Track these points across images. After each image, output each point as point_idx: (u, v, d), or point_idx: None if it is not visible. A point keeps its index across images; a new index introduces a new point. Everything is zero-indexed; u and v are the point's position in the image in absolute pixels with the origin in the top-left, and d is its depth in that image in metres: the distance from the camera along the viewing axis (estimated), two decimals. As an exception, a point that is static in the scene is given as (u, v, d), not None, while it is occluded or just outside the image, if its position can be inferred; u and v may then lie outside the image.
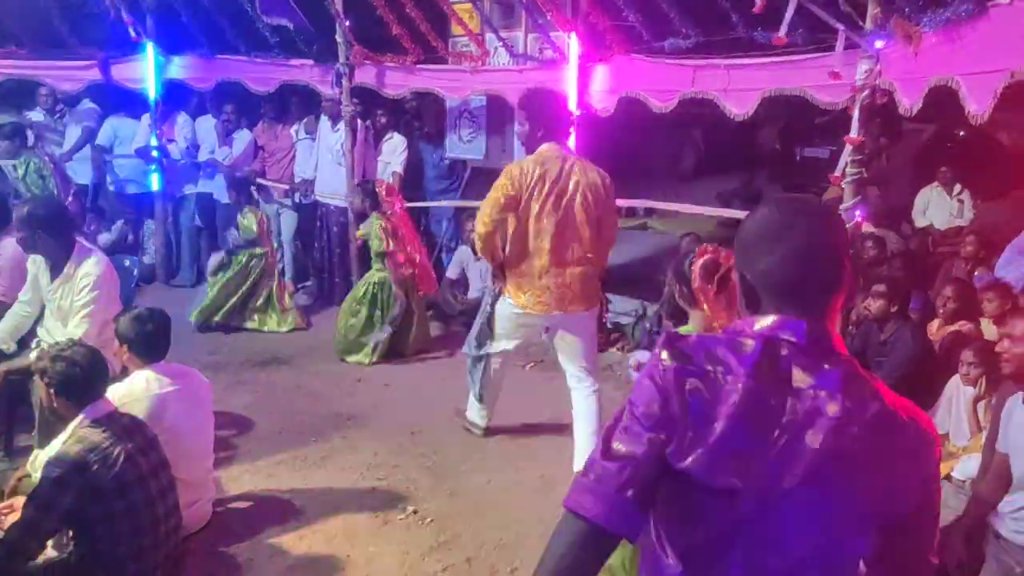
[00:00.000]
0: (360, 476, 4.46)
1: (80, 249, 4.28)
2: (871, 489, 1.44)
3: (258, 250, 6.94)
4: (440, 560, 3.69)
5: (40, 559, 3.19)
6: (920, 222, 8.25)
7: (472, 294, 6.99)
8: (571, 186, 4.17)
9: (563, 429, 4.99)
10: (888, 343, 4.96)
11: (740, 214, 6.83)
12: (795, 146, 12.57)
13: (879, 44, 3.90)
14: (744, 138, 13.65)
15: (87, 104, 8.26)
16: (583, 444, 4.33)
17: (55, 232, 4.20)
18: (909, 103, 3.85)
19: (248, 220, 6.89)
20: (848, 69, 4.03)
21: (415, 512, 4.08)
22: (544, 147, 4.24)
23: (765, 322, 1.49)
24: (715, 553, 1.47)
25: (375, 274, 6.35)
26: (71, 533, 3.21)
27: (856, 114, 4.03)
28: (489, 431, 4.93)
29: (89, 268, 4.21)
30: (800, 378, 1.44)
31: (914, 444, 1.47)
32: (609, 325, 6.70)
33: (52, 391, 3.22)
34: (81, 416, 3.21)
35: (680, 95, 5.09)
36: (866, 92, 3.97)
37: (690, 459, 1.42)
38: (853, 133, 4.03)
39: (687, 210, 6.52)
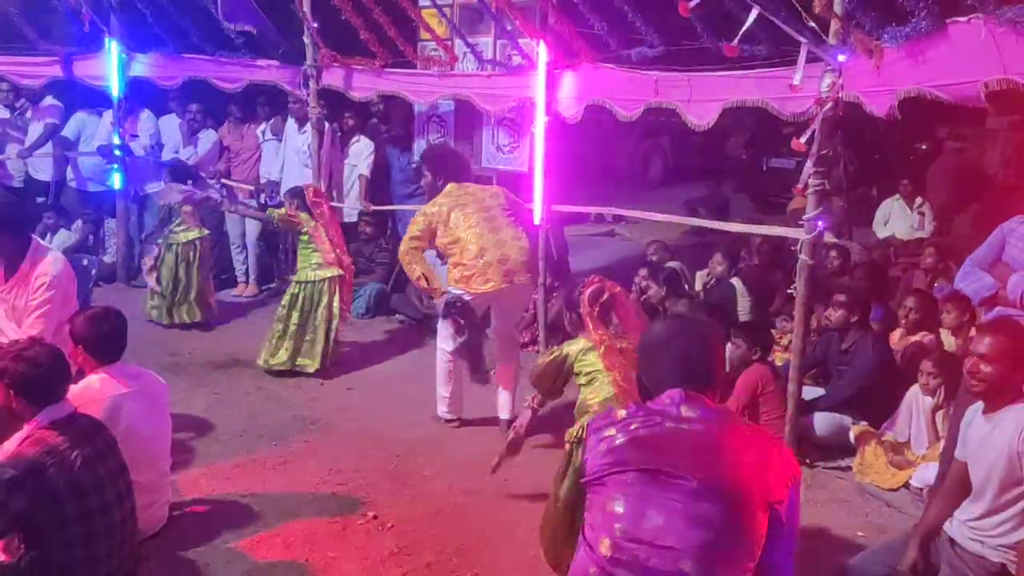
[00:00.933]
0: (320, 481, 4.42)
1: (36, 248, 4.20)
2: (727, 475, 1.99)
3: (192, 233, 6.86)
4: (400, 565, 3.67)
5: (-12, 563, 3.13)
6: (881, 233, 8.38)
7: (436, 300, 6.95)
8: (484, 198, 5.07)
9: (532, 438, 5.00)
10: (849, 352, 5.02)
11: (706, 223, 6.89)
12: (762, 156, 12.71)
13: (841, 58, 3.94)
14: (712, 147, 13.81)
15: (50, 100, 8.13)
16: (501, 399, 5.15)
17: (10, 231, 4.11)
18: (880, 112, 3.91)
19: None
20: (811, 81, 4.06)
21: (375, 517, 4.05)
22: (448, 187, 5.10)
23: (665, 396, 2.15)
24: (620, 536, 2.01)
25: (302, 272, 6.12)
26: (22, 537, 3.13)
27: (816, 125, 4.06)
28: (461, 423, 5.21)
29: (45, 267, 4.13)
30: (675, 414, 2.10)
31: (765, 451, 2.06)
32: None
33: (11, 391, 3.15)
34: (38, 418, 3.14)
35: (645, 104, 5.11)
36: (829, 104, 4.01)
37: (602, 463, 2.09)
38: (811, 144, 4.07)
39: (654, 218, 6.54)
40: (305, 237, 6.10)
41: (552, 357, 3.81)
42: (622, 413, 2.15)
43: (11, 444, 3.19)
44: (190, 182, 7.00)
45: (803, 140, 3.98)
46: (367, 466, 4.59)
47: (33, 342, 3.25)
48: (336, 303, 6.06)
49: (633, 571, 1.94)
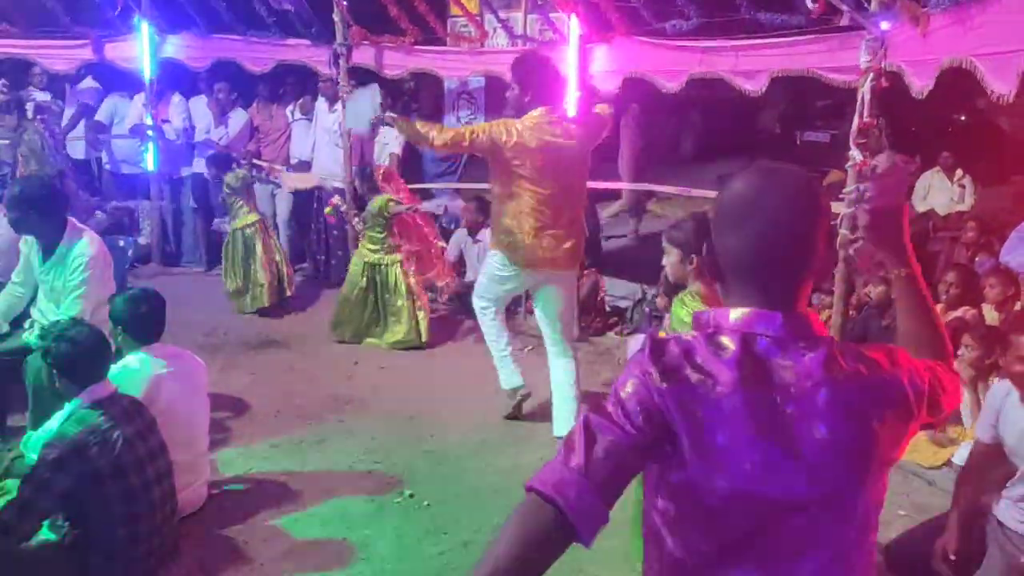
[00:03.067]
0: (357, 460, 4.44)
1: (73, 229, 4.22)
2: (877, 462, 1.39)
3: (251, 217, 6.86)
4: (437, 544, 3.67)
5: (34, 541, 3.17)
6: (920, 207, 8.21)
7: (469, 276, 6.95)
8: (561, 151, 4.28)
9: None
10: (890, 329, 4.93)
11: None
12: (795, 130, 12.51)
13: (884, 26, 3.84)
14: (744, 122, 13.60)
15: (89, 82, 8.20)
16: (560, 411, 4.53)
17: (47, 212, 4.14)
18: (920, 85, 3.80)
19: (232, 175, 6.81)
20: (854, 51, 3.97)
21: (412, 496, 4.06)
22: (535, 112, 4.28)
23: (738, 315, 1.42)
24: (727, 562, 1.39)
25: (369, 254, 6.20)
26: (65, 515, 3.17)
27: (862, 96, 3.97)
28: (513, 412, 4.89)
29: (82, 249, 4.16)
30: (785, 375, 1.36)
31: (898, 395, 1.43)
32: (608, 308, 6.67)
33: (54, 371, 3.18)
34: (81, 397, 3.17)
35: (689, 75, 5.03)
36: (871, 75, 3.91)
37: (690, 471, 1.35)
38: (861, 116, 3.97)
39: (689, 193, 6.47)
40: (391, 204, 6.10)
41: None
42: (704, 363, 1.37)
43: (54, 423, 3.23)
44: (235, 165, 7.08)
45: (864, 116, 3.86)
46: (402, 445, 4.60)
47: (75, 322, 3.29)
48: (412, 279, 6.17)
49: None
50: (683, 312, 3.10)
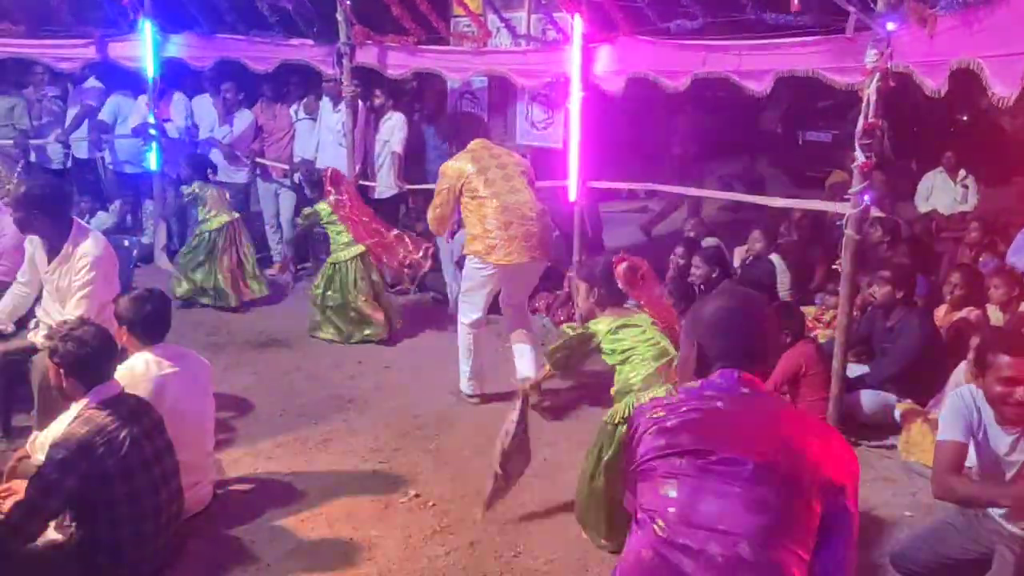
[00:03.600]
0: (362, 459, 4.43)
1: (78, 229, 4.22)
2: (784, 458, 1.90)
3: (221, 219, 6.92)
4: (443, 544, 3.67)
5: (41, 541, 3.17)
6: (923, 207, 8.21)
7: (443, 274, 6.97)
8: (507, 162, 5.06)
9: (567, 414, 4.99)
10: (894, 329, 4.93)
11: (746, 197, 6.76)
12: (797, 130, 12.49)
13: (891, 26, 3.83)
14: (746, 122, 13.57)
15: (92, 82, 8.20)
16: (523, 356, 5.10)
17: (52, 212, 4.14)
18: (934, 84, 3.80)
19: (195, 186, 6.92)
20: (860, 52, 3.97)
21: (417, 496, 4.06)
22: (474, 142, 5.13)
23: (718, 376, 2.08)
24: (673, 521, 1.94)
25: (333, 254, 6.29)
26: (72, 515, 3.17)
27: (867, 97, 3.96)
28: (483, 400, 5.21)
29: (87, 248, 4.16)
30: (728, 396, 2.03)
31: (823, 437, 1.98)
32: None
33: (61, 371, 3.18)
34: (88, 397, 3.16)
35: (693, 75, 5.02)
36: (877, 75, 3.90)
37: (651, 446, 2.00)
38: (866, 117, 3.97)
39: (691, 193, 6.46)
40: (332, 220, 6.21)
41: (578, 332, 3.78)
42: (674, 396, 2.13)
43: (61, 424, 3.22)
44: (210, 171, 7.16)
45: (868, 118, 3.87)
46: (407, 445, 4.60)
47: (82, 322, 3.28)
48: (375, 275, 6.25)
49: (689, 555, 1.88)
50: (601, 325, 3.63)
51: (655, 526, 1.93)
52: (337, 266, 6.21)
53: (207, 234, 6.91)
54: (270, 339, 6.29)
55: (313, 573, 3.42)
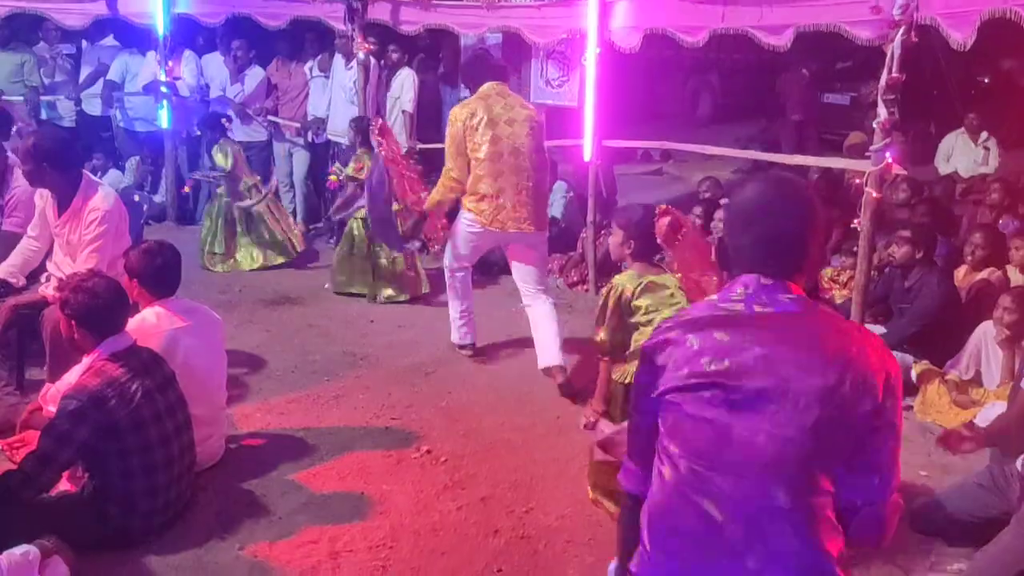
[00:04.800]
0: (373, 415, 4.43)
1: (88, 183, 4.19)
2: (814, 378, 1.64)
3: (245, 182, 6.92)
4: (455, 499, 3.67)
5: (53, 492, 3.18)
6: (944, 169, 8.09)
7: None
8: (517, 116, 4.74)
9: (577, 374, 4.96)
10: (912, 290, 4.86)
11: (763, 156, 6.67)
12: (815, 91, 12.28)
13: (918, -24, 3.73)
14: (762, 83, 13.39)
15: (110, 40, 8.13)
16: (543, 341, 4.76)
17: (61, 165, 4.10)
18: (961, 37, 3.70)
19: (220, 154, 6.84)
20: (885, 4, 3.87)
21: (429, 451, 4.05)
22: (486, 85, 4.78)
23: (737, 280, 1.78)
24: (701, 460, 1.70)
25: (362, 211, 6.21)
26: (84, 467, 3.18)
27: (891, 51, 3.86)
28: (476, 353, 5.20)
29: (97, 203, 4.13)
30: (756, 309, 1.72)
31: (862, 342, 1.70)
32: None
33: (72, 322, 3.16)
34: (100, 349, 3.15)
35: (711, 31, 4.92)
36: (903, 28, 3.81)
37: (673, 377, 1.72)
38: (890, 72, 3.87)
39: (708, 151, 6.37)
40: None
41: (608, 302, 3.51)
42: (692, 312, 1.82)
43: (73, 375, 3.22)
44: (225, 121, 7.15)
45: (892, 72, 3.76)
46: (419, 401, 4.59)
47: (92, 274, 3.27)
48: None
49: (717, 502, 1.69)
50: (625, 279, 3.50)
51: (679, 468, 1.74)
52: (367, 222, 6.15)
53: (245, 192, 6.90)
54: (282, 297, 6.28)
55: (325, 526, 3.42)
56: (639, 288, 3.45)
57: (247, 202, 6.89)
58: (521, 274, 4.93)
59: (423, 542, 3.37)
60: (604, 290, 3.65)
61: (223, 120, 7.14)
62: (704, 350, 1.70)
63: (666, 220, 3.40)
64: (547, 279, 5.06)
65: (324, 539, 3.33)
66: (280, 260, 6.99)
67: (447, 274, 5.11)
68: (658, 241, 3.46)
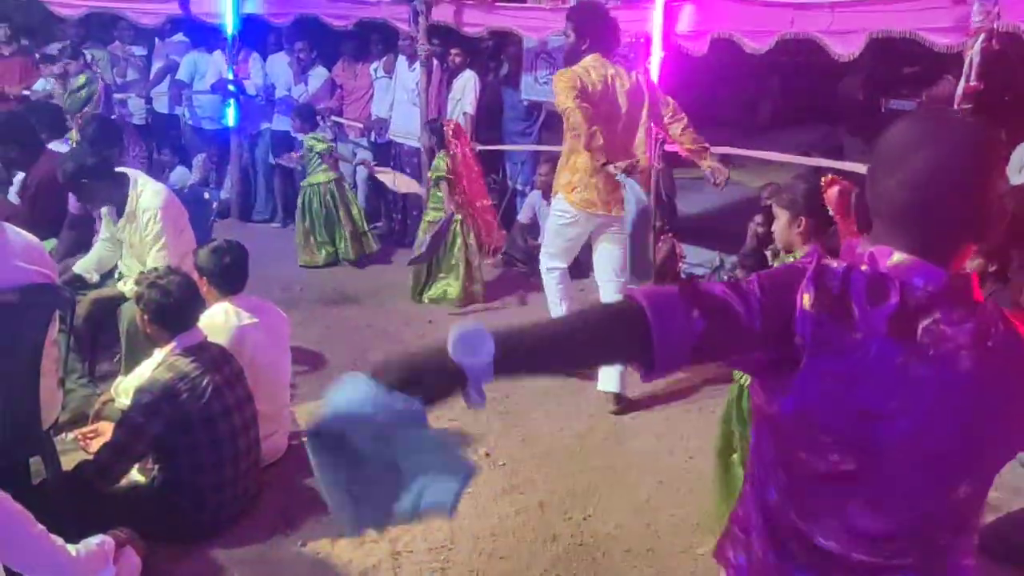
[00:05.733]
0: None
1: (136, 183, 4.20)
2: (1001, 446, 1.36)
3: (321, 176, 7.00)
4: (513, 504, 3.67)
5: (124, 483, 3.26)
6: (1016, 179, 7.83)
7: (542, 238, 6.90)
8: (616, 92, 4.31)
9: (636, 382, 4.93)
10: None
11: (820, 161, 6.56)
12: (880, 97, 12.04)
13: (1000, -17, 3.64)
14: (825, 88, 13.16)
15: (179, 37, 8.34)
16: (606, 366, 4.39)
17: (101, 175, 4.12)
18: (1047, 45, 3.60)
19: (317, 136, 6.98)
20: (963, 10, 3.77)
21: (487, 455, 4.06)
22: (588, 59, 4.34)
23: (898, 260, 1.30)
24: (827, 497, 1.37)
25: (430, 213, 6.30)
26: (155, 459, 3.26)
27: (969, 59, 3.77)
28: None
29: (148, 202, 4.16)
30: (931, 334, 1.27)
31: None
32: (684, 275, 6.56)
33: (146, 317, 3.25)
34: (173, 344, 3.23)
35: (778, 35, 4.85)
36: (982, 36, 3.71)
37: (811, 395, 1.29)
38: (968, 80, 3.78)
39: (768, 157, 6.28)
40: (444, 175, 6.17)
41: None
42: (865, 299, 1.28)
43: (145, 369, 3.30)
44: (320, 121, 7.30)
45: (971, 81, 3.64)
46: (477, 405, 4.59)
47: (168, 271, 3.34)
48: (471, 240, 6.21)
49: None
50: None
51: (785, 505, 1.40)
52: (435, 225, 6.19)
53: (318, 186, 6.99)
54: (342, 296, 6.35)
55: (385, 525, 3.45)
56: None
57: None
58: (603, 261, 4.65)
59: (482, 545, 3.38)
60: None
61: (318, 118, 7.30)
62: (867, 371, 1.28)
63: (836, 188, 2.96)
64: (626, 271, 4.63)
65: (385, 539, 3.35)
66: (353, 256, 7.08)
67: (544, 276, 4.88)
68: (831, 213, 3.02)
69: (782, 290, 1.29)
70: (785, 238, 3.22)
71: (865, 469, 1.33)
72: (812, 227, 3.15)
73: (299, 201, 7.11)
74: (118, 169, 4.28)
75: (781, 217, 3.22)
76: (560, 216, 4.61)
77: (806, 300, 1.28)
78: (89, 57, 7.77)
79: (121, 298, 4.18)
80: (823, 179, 2.99)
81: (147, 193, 4.17)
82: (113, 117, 7.68)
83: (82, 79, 7.32)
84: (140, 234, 4.18)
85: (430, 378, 1.24)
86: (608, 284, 4.63)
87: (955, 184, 1.27)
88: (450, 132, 6.21)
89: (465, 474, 1.26)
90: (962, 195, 1.28)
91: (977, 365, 1.29)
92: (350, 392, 1.21)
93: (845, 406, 1.29)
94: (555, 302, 4.86)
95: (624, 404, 4.56)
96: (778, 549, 1.43)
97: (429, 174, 6.49)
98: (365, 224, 7.24)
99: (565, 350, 1.31)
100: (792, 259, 3.06)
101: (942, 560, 1.42)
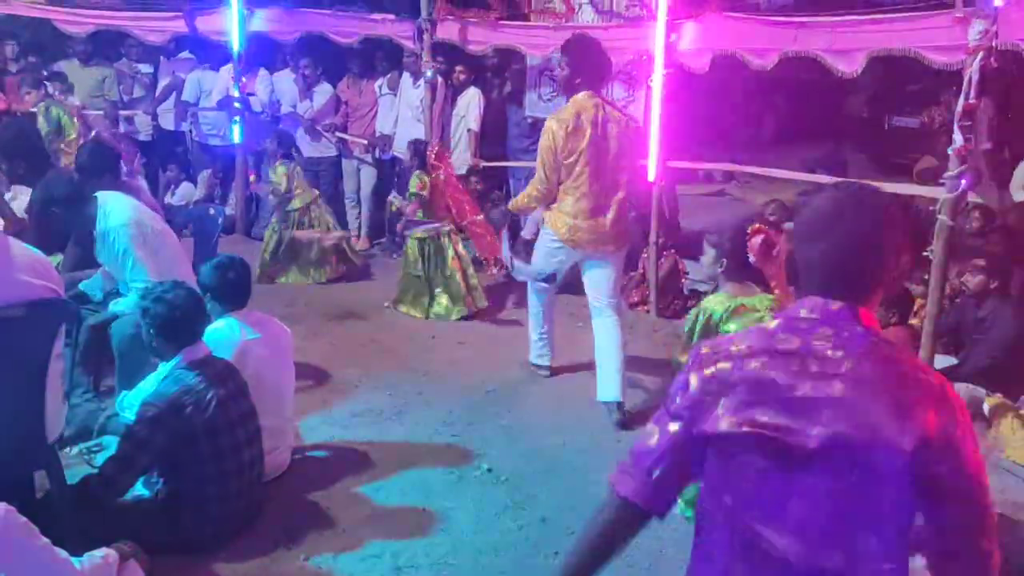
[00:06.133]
0: (435, 432, 4.47)
1: (103, 203, 4.12)
2: (888, 445, 1.49)
3: (307, 197, 7.04)
4: (515, 519, 3.68)
5: (129, 496, 3.27)
6: (1019, 196, 7.85)
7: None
8: (607, 134, 4.47)
9: (637, 395, 4.94)
10: (986, 320, 4.75)
11: (823, 179, 6.58)
12: (884, 114, 12.08)
13: (998, 2, 3.66)
14: (829, 105, 13.20)
15: (185, 55, 8.41)
16: (605, 373, 4.59)
17: (72, 203, 4.07)
18: (1046, 64, 3.63)
19: (277, 174, 6.99)
20: (961, 29, 3.80)
21: (490, 470, 4.07)
22: (580, 96, 4.49)
23: (802, 303, 1.64)
24: (753, 520, 1.59)
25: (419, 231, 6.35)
26: (159, 472, 3.27)
27: (968, 77, 3.79)
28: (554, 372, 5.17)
29: (111, 221, 4.06)
30: (818, 345, 1.55)
31: (932, 396, 1.52)
32: (687, 291, 6.58)
33: (152, 331, 3.27)
34: (177, 358, 3.25)
35: (781, 53, 4.88)
36: (980, 54, 3.74)
37: (720, 422, 1.59)
38: (967, 98, 3.80)
39: (772, 174, 6.31)
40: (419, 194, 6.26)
41: (695, 325, 3.46)
42: (740, 345, 1.63)
43: (150, 383, 3.32)
44: (294, 150, 7.36)
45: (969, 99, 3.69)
46: (480, 419, 4.62)
47: (175, 285, 3.36)
48: (461, 250, 6.30)
49: (764, 567, 1.59)
50: (714, 303, 3.47)
51: (732, 528, 1.63)
52: (424, 242, 6.27)
53: (293, 212, 7.03)
54: (346, 311, 6.37)
55: (388, 539, 3.46)
56: (728, 312, 3.41)
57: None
58: (592, 284, 4.76)
59: (484, 560, 3.39)
60: (692, 312, 3.62)
61: (292, 149, 7.34)
62: (758, 394, 1.56)
63: (759, 238, 3.30)
64: (619, 292, 4.87)
65: (387, 553, 3.37)
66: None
67: (529, 296, 5.09)
68: (751, 260, 3.35)
69: (687, 397, 1.67)
70: (709, 273, 3.63)
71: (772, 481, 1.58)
72: (731, 268, 3.45)
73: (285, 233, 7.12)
74: (103, 192, 4.22)
75: (708, 253, 3.55)
76: (550, 240, 4.73)
77: (693, 384, 1.66)
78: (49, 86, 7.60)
79: (114, 317, 4.19)
80: (750, 228, 3.35)
81: (112, 214, 4.10)
82: (116, 132, 7.75)
83: (41, 109, 7.19)
84: (112, 257, 4.12)
85: None
86: (599, 307, 4.73)
87: (864, 256, 1.59)
88: (432, 156, 6.30)
89: None
90: (870, 264, 1.60)
91: (849, 382, 1.53)
92: None
93: (745, 410, 1.58)
94: (535, 320, 5.10)
95: (625, 413, 4.57)
96: None
97: (394, 201, 6.71)
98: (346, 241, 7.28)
99: (602, 559, 1.76)
100: (705, 308, 3.48)
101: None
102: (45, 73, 7.81)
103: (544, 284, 4.86)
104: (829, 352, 1.54)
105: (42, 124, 7.03)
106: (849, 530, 1.53)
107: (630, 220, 4.97)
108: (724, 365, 1.61)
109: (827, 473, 1.51)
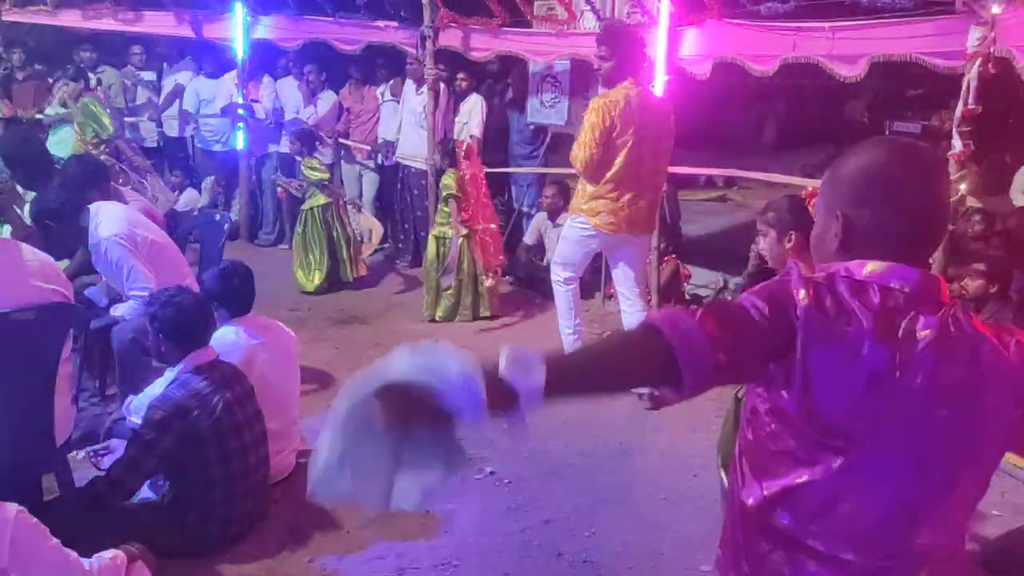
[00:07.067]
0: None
1: (95, 214, 4.10)
2: (985, 428, 1.41)
3: (322, 199, 7.04)
4: (518, 521, 3.71)
5: (135, 499, 3.31)
6: (1019, 200, 7.88)
7: (548, 259, 6.96)
8: (651, 121, 4.59)
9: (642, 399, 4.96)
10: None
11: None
12: (885, 120, 12.12)
13: (996, 9, 3.70)
14: (830, 111, 13.25)
15: (187, 63, 8.47)
16: None
17: (66, 217, 4.05)
18: (1037, 70, 3.67)
19: (312, 166, 7.03)
20: (960, 35, 3.84)
21: (492, 473, 4.10)
22: (626, 83, 4.59)
23: (873, 268, 1.44)
24: (818, 497, 1.44)
25: (437, 228, 6.38)
26: (166, 475, 3.31)
27: (967, 83, 3.83)
28: None
29: (101, 233, 4.04)
30: (910, 327, 1.39)
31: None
32: (688, 296, 6.61)
33: (160, 335, 3.31)
34: (185, 362, 3.29)
35: (781, 59, 4.92)
36: (979, 60, 3.77)
37: (806, 393, 1.37)
38: (966, 104, 3.84)
39: (773, 179, 6.34)
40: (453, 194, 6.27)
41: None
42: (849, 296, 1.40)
43: (158, 387, 3.36)
44: (318, 145, 7.38)
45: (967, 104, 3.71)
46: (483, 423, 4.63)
47: (181, 290, 3.41)
48: (477, 256, 6.32)
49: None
50: None
51: (779, 516, 1.48)
52: (441, 240, 6.30)
53: (316, 209, 7.03)
54: (349, 316, 6.41)
55: (392, 541, 3.49)
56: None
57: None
58: (622, 274, 4.93)
59: (487, 562, 3.42)
60: None
61: (317, 143, 7.37)
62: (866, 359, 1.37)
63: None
64: (646, 281, 5.10)
65: (391, 555, 3.40)
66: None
67: (556, 287, 5.04)
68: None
69: (780, 299, 1.40)
70: (777, 255, 3.18)
71: (854, 460, 1.41)
72: (802, 240, 3.05)
73: (298, 228, 7.13)
74: (96, 204, 4.20)
75: (770, 235, 3.18)
76: (581, 229, 4.79)
77: (802, 295, 1.39)
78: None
79: (115, 322, 4.22)
80: (804, 191, 3.12)
81: (103, 225, 4.09)
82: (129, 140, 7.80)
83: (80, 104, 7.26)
84: (109, 273, 4.14)
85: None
86: (631, 299, 4.92)
87: (939, 214, 1.51)
88: (462, 153, 6.32)
89: (457, 468, 1.28)
90: (941, 220, 1.53)
91: (941, 359, 1.39)
92: (420, 359, 1.22)
93: (845, 391, 1.38)
94: (567, 314, 5.03)
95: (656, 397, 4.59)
96: (758, 561, 1.51)
97: (440, 191, 6.59)
98: (349, 250, 7.22)
99: (602, 379, 1.41)
100: None
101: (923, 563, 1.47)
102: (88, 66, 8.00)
103: (570, 275, 4.95)
104: (921, 339, 1.39)
105: (78, 117, 7.10)
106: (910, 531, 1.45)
107: (659, 204, 5.15)
108: (830, 310, 1.39)
109: (906, 469, 1.42)
